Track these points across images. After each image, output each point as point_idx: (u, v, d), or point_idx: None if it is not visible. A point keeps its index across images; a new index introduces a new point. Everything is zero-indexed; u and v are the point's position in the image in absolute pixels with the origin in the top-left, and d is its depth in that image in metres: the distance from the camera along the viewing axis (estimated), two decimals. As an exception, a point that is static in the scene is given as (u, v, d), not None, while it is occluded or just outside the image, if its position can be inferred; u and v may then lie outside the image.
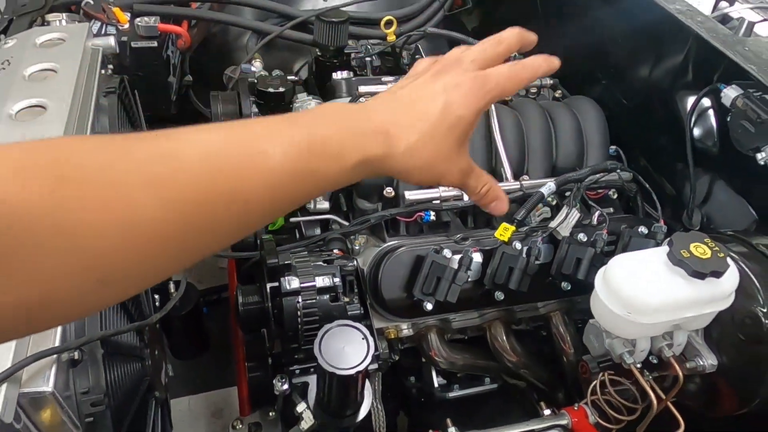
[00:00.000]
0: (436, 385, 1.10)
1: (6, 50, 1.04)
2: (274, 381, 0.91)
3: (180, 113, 1.44)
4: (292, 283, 0.80)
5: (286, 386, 0.90)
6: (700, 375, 0.72)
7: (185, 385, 1.61)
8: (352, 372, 0.67)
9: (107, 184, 0.38)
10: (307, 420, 0.91)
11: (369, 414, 1.03)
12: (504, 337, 0.98)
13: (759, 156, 0.84)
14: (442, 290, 0.81)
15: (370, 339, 0.69)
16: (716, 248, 0.63)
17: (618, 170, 0.95)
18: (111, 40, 1.11)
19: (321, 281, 0.82)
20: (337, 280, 0.83)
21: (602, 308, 0.66)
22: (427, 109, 0.54)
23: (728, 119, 0.90)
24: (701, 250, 0.62)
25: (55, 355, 0.61)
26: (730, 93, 0.89)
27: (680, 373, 0.68)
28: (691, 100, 1.01)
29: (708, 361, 0.69)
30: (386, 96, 0.56)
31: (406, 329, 0.93)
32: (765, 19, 1.17)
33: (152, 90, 1.33)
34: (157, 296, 1.04)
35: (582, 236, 0.88)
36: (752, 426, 0.73)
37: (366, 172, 0.52)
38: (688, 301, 0.63)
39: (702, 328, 0.71)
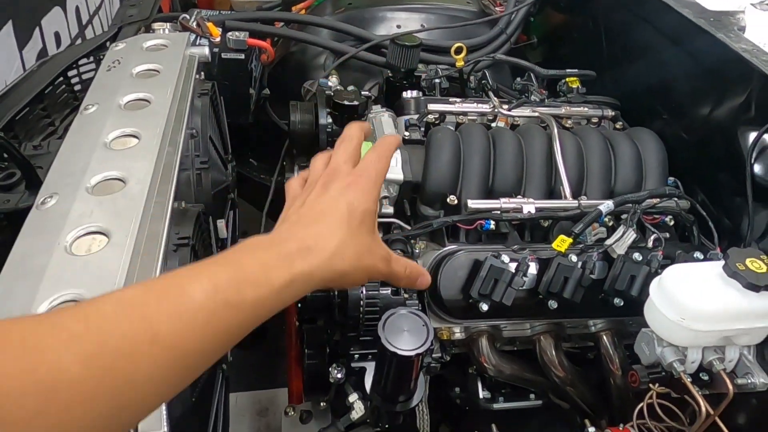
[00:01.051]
0: (481, 396, 1.13)
1: (116, 52, 1.17)
2: (330, 369, 0.96)
3: (256, 124, 1.55)
4: (358, 273, 0.86)
5: (341, 375, 0.96)
6: (749, 394, 0.73)
7: (234, 382, 1.67)
8: (411, 354, 0.72)
9: (27, 348, 0.37)
10: (358, 410, 0.96)
11: (414, 415, 1.07)
12: (553, 351, 1.01)
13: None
14: (498, 292, 0.85)
15: (430, 326, 0.74)
16: (772, 264, 0.65)
17: (676, 197, 0.98)
18: (206, 50, 1.22)
19: (384, 274, 0.87)
20: (399, 274, 0.88)
21: (656, 314, 0.69)
22: (336, 214, 0.57)
23: (790, 154, 0.93)
24: (757, 264, 0.65)
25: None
26: (792, 128, 0.91)
27: (730, 387, 0.70)
28: (752, 136, 1.03)
29: (760, 379, 0.71)
30: (292, 218, 0.60)
31: (458, 332, 0.97)
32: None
33: (234, 99, 1.44)
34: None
35: (637, 255, 0.91)
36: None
37: (295, 292, 0.53)
38: (741, 313, 0.65)
39: (754, 346, 0.72)
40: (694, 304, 0.66)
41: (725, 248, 1.06)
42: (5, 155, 0.98)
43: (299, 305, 1.09)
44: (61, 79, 1.24)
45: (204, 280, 0.47)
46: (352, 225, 0.57)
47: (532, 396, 1.13)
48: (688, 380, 0.71)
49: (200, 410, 0.80)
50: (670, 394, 0.86)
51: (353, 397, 0.95)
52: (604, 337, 1.01)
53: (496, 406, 1.10)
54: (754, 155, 1.03)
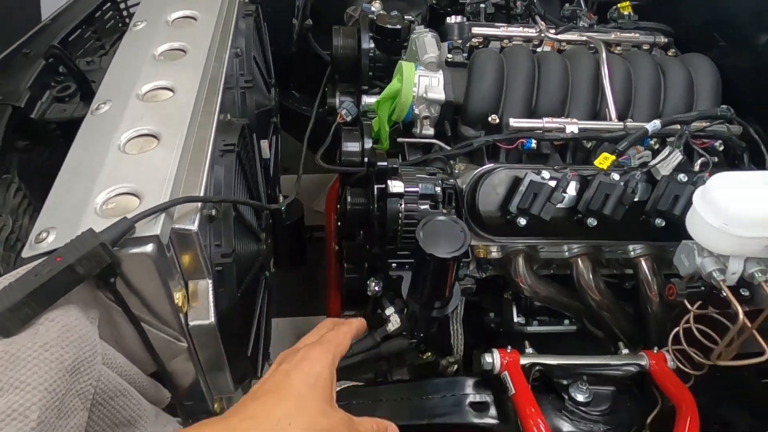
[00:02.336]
0: (515, 320, 1.15)
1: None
2: (368, 282, 0.99)
3: (298, 54, 1.55)
4: (397, 186, 0.88)
5: (378, 288, 0.98)
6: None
7: (276, 309, 1.74)
8: (448, 257, 0.73)
9: None
10: (394, 323, 0.99)
11: (449, 335, 1.09)
12: (590, 275, 1.01)
13: None
14: (537, 206, 0.85)
15: (467, 232, 0.75)
16: (824, 171, 0.63)
17: (728, 120, 0.95)
18: (249, -27, 1.23)
19: (423, 188, 0.88)
20: (438, 189, 0.89)
21: (698, 220, 0.68)
22: (284, 385, 0.58)
23: None
24: (808, 172, 0.63)
25: (198, 204, 0.71)
26: None
27: (771, 298, 0.69)
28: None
29: (802, 292, 0.70)
30: (245, 398, 0.60)
31: (495, 251, 0.98)
32: None
33: (276, 27, 1.44)
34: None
35: (682, 176, 0.89)
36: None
37: None
38: (787, 219, 0.64)
39: (799, 260, 0.71)
40: (738, 210, 0.65)
41: (777, 177, 1.03)
42: (61, 69, 1.02)
43: (339, 224, 1.12)
44: (109, 4, 1.27)
45: None
46: (301, 392, 0.58)
47: (566, 321, 1.14)
48: (727, 288, 0.70)
49: (244, 309, 0.84)
50: (707, 319, 0.85)
51: (390, 311, 0.98)
52: (643, 263, 1.00)
53: (529, 329, 1.12)
54: (815, 79, 0.98)
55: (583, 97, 1.01)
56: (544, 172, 0.87)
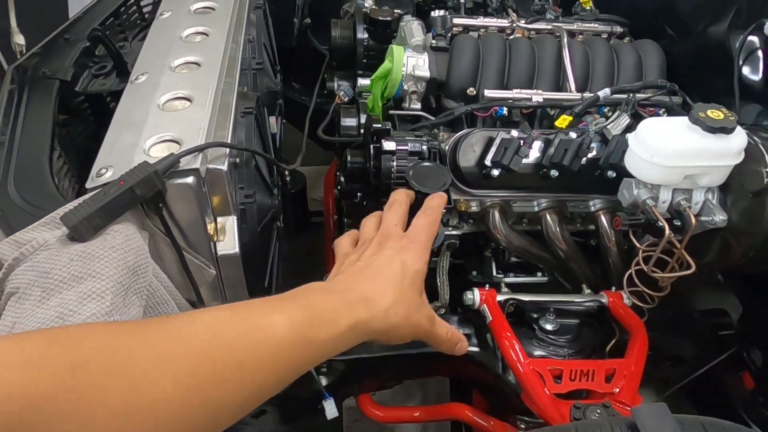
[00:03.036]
0: (494, 273, 1.30)
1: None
2: (366, 233, 1.14)
3: (298, 49, 1.72)
4: (390, 144, 1.03)
5: (374, 237, 1.14)
6: (713, 234, 0.89)
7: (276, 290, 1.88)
8: (435, 192, 0.89)
9: (126, 368, 0.40)
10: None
11: (437, 284, 1.24)
12: (557, 227, 1.17)
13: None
14: (507, 157, 1.01)
15: (449, 174, 0.91)
16: (729, 114, 0.80)
17: (668, 89, 1.12)
18: (256, -27, 1.39)
19: (412, 146, 1.04)
20: (425, 147, 1.05)
21: (632, 156, 0.85)
22: (390, 272, 0.62)
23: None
24: (716, 114, 0.80)
25: (227, 150, 0.87)
26: (772, 23, 1.04)
27: (693, 220, 0.85)
28: (741, 39, 1.16)
29: (719, 216, 0.86)
30: (350, 271, 0.65)
31: (474, 206, 1.14)
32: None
33: (279, 24, 1.61)
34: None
35: (630, 135, 1.06)
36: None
37: (354, 338, 0.57)
38: (701, 151, 0.80)
39: (717, 191, 0.87)
40: (662, 144, 0.81)
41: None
42: (98, 52, 1.18)
43: (338, 189, 1.27)
44: (132, 0, 1.43)
45: (284, 315, 0.51)
46: (404, 283, 0.62)
47: (539, 274, 1.30)
48: (656, 211, 0.87)
49: (262, 245, 0.99)
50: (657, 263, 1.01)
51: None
52: (602, 217, 1.16)
53: (507, 279, 1.27)
54: (742, 57, 1.16)
55: (548, 73, 1.19)
56: (513, 131, 1.04)
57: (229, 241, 0.90)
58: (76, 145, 1.16)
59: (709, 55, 1.27)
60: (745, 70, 1.17)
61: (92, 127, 1.19)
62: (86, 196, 0.74)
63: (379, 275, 0.62)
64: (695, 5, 1.33)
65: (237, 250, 0.89)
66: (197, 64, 1.02)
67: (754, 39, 1.14)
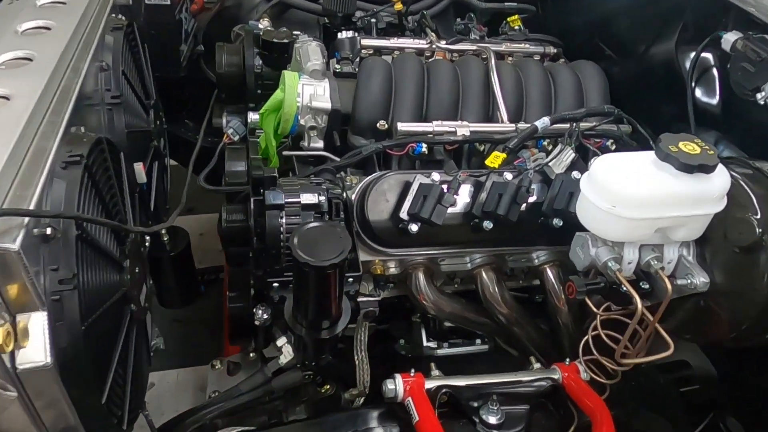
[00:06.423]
0: (425, 344, 1.07)
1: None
2: (254, 310, 0.89)
3: (190, 81, 1.47)
4: (276, 197, 0.79)
5: (266, 315, 0.88)
6: (690, 297, 0.68)
7: (176, 359, 1.58)
8: (327, 264, 0.65)
9: None
10: (287, 354, 0.89)
11: (353, 365, 1.00)
12: (495, 286, 0.95)
13: (759, 96, 0.82)
14: (427, 209, 0.79)
15: (347, 236, 0.67)
16: (706, 147, 0.61)
17: (615, 116, 0.94)
18: (123, -9, 1.14)
19: (306, 198, 0.80)
20: (323, 198, 0.81)
21: (587, 206, 0.64)
22: None
23: (728, 65, 0.89)
24: (690, 147, 0.60)
25: (26, 219, 0.60)
26: (730, 37, 0.88)
27: (669, 286, 0.65)
28: (692, 56, 1.00)
29: (700, 278, 0.66)
30: None
31: (393, 267, 0.91)
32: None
33: (163, 51, 1.35)
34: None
35: (576, 174, 0.86)
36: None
37: None
38: (675, 197, 0.60)
39: (694, 245, 0.68)
40: (625, 190, 0.61)
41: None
42: None
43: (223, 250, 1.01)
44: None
45: None
46: None
47: (478, 341, 1.08)
48: (623, 278, 0.66)
49: (96, 347, 0.71)
50: (618, 326, 0.81)
51: (281, 341, 0.88)
52: (548, 270, 0.96)
53: (440, 352, 1.05)
54: (694, 77, 1.00)
55: (475, 101, 0.98)
56: (434, 174, 0.82)
57: (35, 347, 0.63)
58: None
59: (655, 77, 1.11)
60: (699, 92, 1.01)
61: None
62: None
63: None
64: (635, 22, 1.17)
65: (48, 360, 0.63)
66: (5, 98, 0.75)
67: (707, 56, 0.98)
